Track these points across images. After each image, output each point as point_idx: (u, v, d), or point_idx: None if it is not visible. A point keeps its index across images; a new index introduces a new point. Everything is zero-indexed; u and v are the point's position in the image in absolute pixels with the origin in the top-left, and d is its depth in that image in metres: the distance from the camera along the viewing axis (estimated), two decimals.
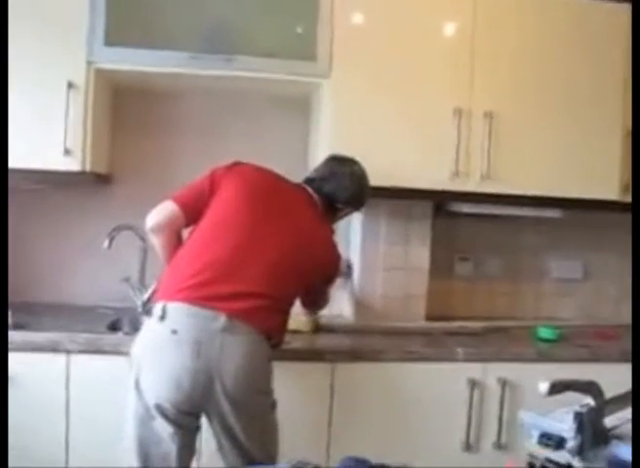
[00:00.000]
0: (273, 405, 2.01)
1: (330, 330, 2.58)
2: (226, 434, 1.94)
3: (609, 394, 1.50)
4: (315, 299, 2.35)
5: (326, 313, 2.65)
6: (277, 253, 2.00)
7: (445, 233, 2.92)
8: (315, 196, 2.22)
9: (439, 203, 2.76)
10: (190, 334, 1.85)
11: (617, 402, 1.53)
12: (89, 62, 2.41)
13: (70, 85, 2.37)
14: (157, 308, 1.92)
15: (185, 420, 1.90)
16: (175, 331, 1.86)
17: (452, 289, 3.04)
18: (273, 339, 1.99)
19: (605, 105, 2.66)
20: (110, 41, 2.40)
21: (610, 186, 2.66)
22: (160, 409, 1.86)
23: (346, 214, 2.38)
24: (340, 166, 2.29)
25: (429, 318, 2.79)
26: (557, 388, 1.44)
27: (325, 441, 2.30)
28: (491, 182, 2.57)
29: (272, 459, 1.98)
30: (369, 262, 2.73)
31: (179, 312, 1.89)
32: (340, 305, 2.81)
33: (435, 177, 2.54)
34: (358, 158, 2.34)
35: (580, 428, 1.41)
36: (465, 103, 2.55)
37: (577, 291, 3.17)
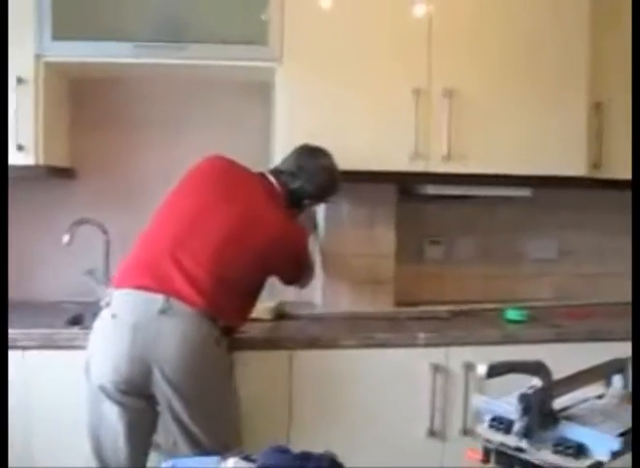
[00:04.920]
0: (228, 391, 2.01)
1: (294, 317, 2.55)
2: (176, 424, 1.93)
3: None
4: (294, 278, 2.31)
5: (294, 299, 2.63)
6: (222, 233, 2.01)
7: (414, 216, 2.87)
8: (277, 186, 2.20)
9: (404, 185, 2.70)
10: (128, 318, 1.90)
11: (567, 383, 1.49)
12: (37, 56, 2.38)
13: (19, 80, 2.34)
14: (108, 296, 2.00)
15: (129, 401, 1.93)
16: (114, 316, 1.93)
17: (423, 273, 2.98)
18: (221, 321, 1.97)
19: (570, 78, 2.58)
20: (58, 34, 2.38)
21: (578, 162, 2.58)
22: (103, 389, 1.91)
23: (312, 205, 2.39)
24: (309, 160, 2.27)
25: (401, 304, 2.73)
26: (498, 370, 1.40)
27: (285, 429, 2.27)
28: (453, 162, 2.51)
29: (228, 450, 1.97)
30: (334, 248, 2.68)
31: (119, 297, 1.96)
32: (309, 292, 2.74)
33: (395, 159, 2.48)
34: (315, 142, 2.32)
35: (527, 410, 1.38)
36: (424, 82, 2.48)
37: (552, 270, 3.10)
